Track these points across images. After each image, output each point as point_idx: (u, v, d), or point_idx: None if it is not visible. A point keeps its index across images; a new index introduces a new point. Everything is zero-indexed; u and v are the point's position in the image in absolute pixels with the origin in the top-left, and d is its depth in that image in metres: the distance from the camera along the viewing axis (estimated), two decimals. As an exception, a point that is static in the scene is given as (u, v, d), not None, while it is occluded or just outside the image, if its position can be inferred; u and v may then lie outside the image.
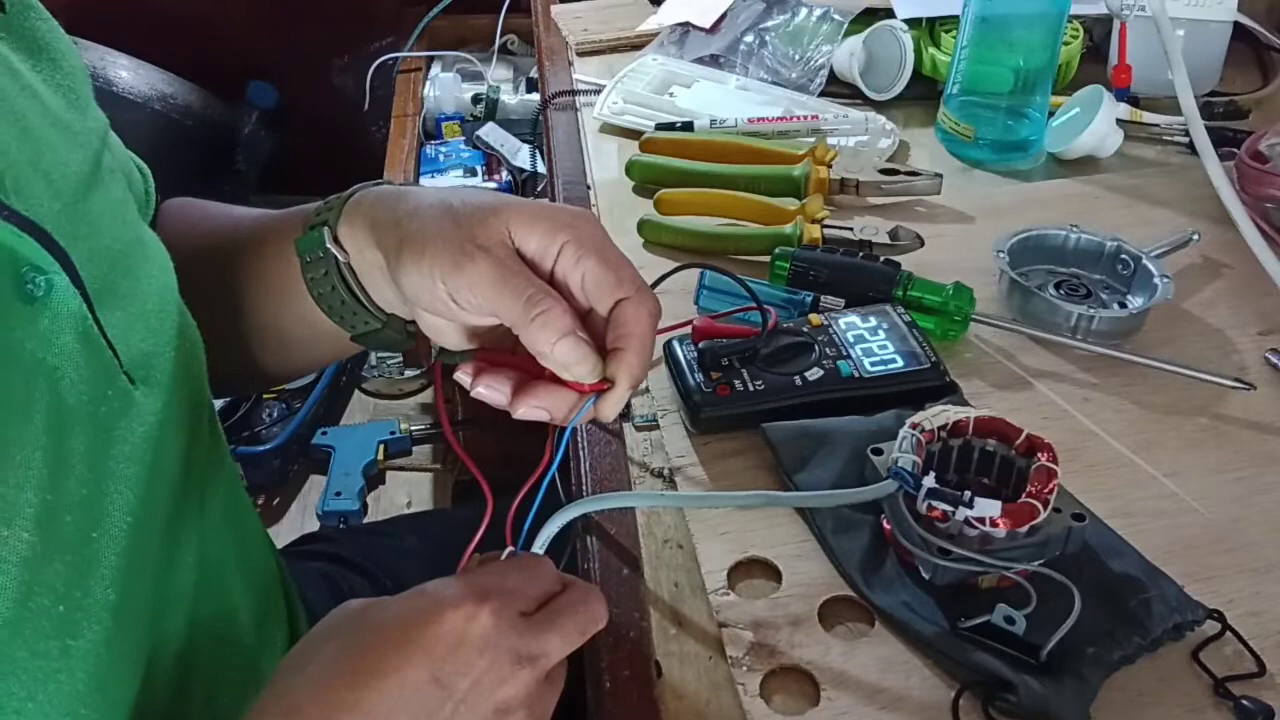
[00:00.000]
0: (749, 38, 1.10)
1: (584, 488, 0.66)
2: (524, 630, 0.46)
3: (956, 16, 0.96)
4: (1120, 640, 0.54)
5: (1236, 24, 1.05)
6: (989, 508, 0.54)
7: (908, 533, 0.55)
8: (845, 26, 1.07)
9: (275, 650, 0.63)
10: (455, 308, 0.50)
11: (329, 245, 0.54)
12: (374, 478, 1.71)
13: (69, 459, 0.42)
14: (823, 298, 0.75)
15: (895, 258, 0.79)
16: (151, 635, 0.48)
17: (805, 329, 0.71)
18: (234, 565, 0.58)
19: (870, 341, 0.70)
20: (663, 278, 0.76)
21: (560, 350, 0.48)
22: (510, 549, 0.51)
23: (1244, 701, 0.52)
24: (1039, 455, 0.57)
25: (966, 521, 0.54)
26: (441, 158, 1.58)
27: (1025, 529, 0.54)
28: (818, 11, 1.08)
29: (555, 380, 0.51)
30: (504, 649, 0.45)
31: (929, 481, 0.55)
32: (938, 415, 0.59)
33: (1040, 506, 0.55)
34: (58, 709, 0.41)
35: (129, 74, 1.72)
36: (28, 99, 0.47)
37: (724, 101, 1.04)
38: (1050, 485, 0.56)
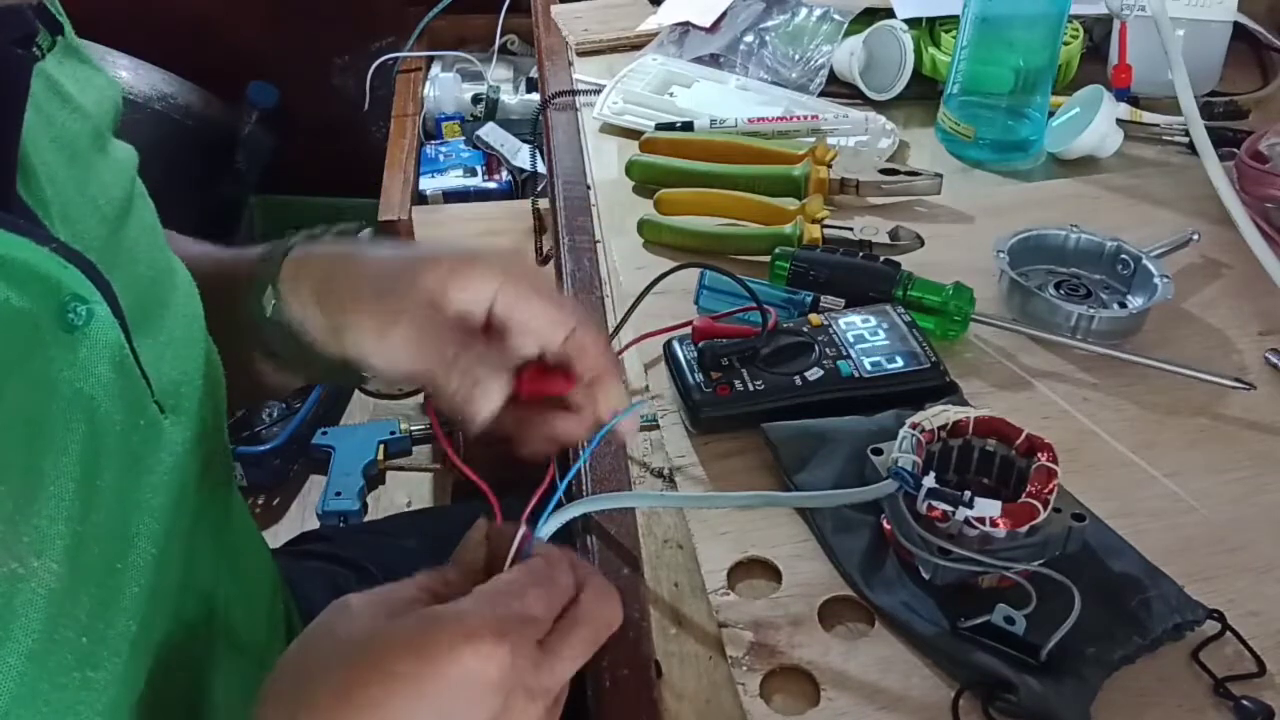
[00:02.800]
0: (749, 37, 1.10)
1: (584, 487, 0.66)
2: (540, 664, 0.44)
3: (956, 16, 0.96)
4: (1120, 640, 0.54)
5: (1236, 24, 1.05)
6: (989, 508, 0.54)
7: (908, 533, 0.55)
8: (845, 26, 1.07)
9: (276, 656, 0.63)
10: (400, 370, 0.51)
11: (272, 312, 0.56)
12: (374, 478, 1.71)
13: (100, 490, 0.42)
14: (823, 298, 0.75)
15: (895, 258, 0.79)
16: (167, 663, 0.47)
17: (805, 329, 0.71)
18: (237, 582, 0.58)
19: (870, 341, 0.70)
20: (661, 277, 0.76)
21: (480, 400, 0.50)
22: (524, 530, 0.48)
23: (1244, 702, 0.52)
24: (1039, 455, 0.57)
25: (966, 521, 0.54)
26: (441, 158, 1.58)
27: (1025, 529, 0.54)
28: (818, 11, 1.08)
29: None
30: (519, 689, 0.43)
31: (929, 481, 0.55)
32: (937, 415, 0.59)
33: (1040, 507, 0.55)
34: None
35: (129, 74, 1.72)
36: (78, 122, 0.48)
37: (724, 101, 1.04)
38: (1050, 485, 0.56)
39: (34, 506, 0.38)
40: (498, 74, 1.72)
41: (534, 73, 1.58)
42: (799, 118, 0.99)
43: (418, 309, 0.50)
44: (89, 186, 0.46)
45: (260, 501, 1.67)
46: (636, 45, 1.17)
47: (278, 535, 1.63)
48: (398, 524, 0.94)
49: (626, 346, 0.73)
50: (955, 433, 0.60)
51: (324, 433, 1.74)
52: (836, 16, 1.08)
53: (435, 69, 1.75)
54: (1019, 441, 0.59)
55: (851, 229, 0.83)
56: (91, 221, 0.44)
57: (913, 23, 1.05)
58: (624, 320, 0.75)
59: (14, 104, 0.42)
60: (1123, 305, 0.79)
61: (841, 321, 0.72)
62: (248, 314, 0.56)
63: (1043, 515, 0.54)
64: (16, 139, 0.42)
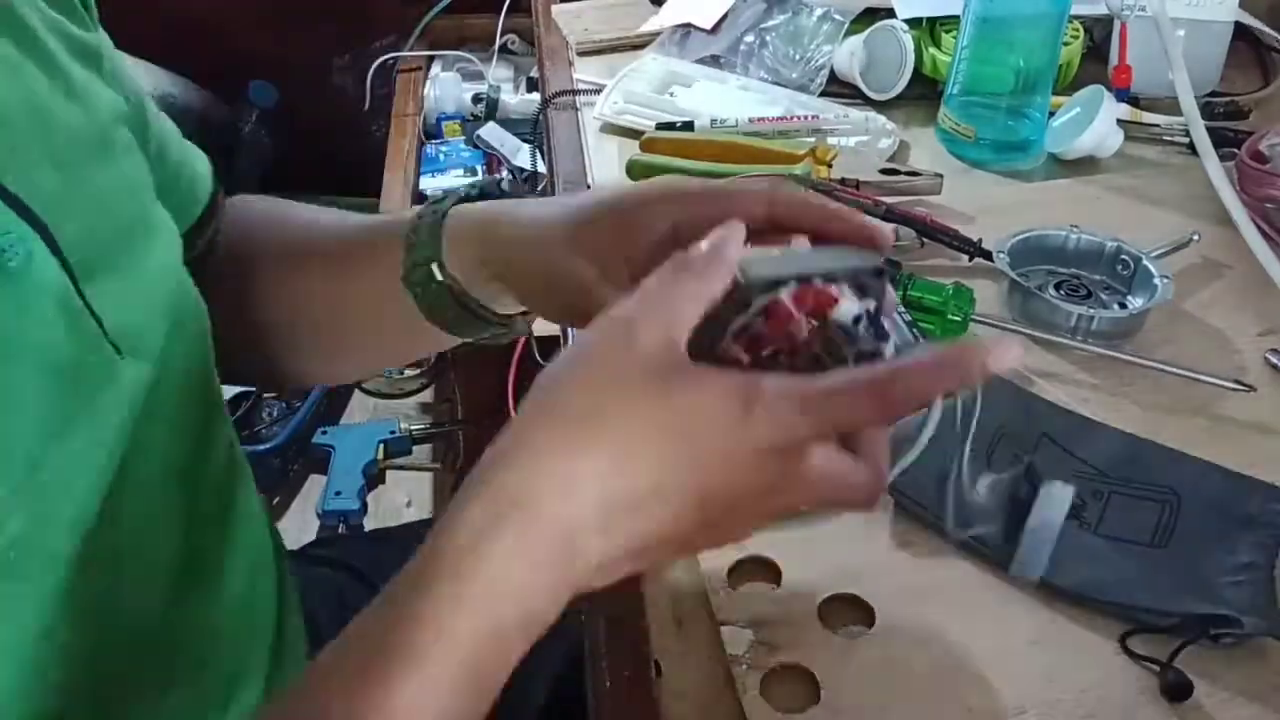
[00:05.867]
0: (750, 38, 1.10)
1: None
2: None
3: (957, 16, 0.96)
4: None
5: (1237, 24, 1.05)
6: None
7: None
8: (846, 26, 1.07)
9: (263, 637, 0.63)
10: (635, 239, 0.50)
11: (440, 278, 0.56)
12: (374, 477, 1.71)
13: (49, 418, 0.43)
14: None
15: (895, 258, 0.79)
16: (114, 592, 0.48)
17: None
18: (223, 529, 0.59)
19: (870, 342, 0.70)
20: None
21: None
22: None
23: None
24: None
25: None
26: (442, 157, 1.58)
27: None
28: (818, 11, 1.08)
29: None
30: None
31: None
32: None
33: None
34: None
35: (129, 73, 1.73)
36: (49, 71, 0.48)
37: (724, 101, 1.04)
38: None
39: None
40: (498, 74, 1.72)
41: (534, 72, 1.58)
42: (799, 118, 0.99)
43: (584, 261, 0.51)
44: (52, 137, 0.46)
45: (260, 501, 1.68)
46: (637, 46, 1.17)
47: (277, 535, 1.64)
48: (407, 533, 0.93)
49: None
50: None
51: (324, 432, 1.74)
52: (837, 16, 1.08)
53: (435, 69, 1.75)
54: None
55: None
56: (45, 167, 0.45)
57: (913, 23, 1.05)
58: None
59: None
60: (1123, 306, 0.79)
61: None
62: (406, 278, 0.57)
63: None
64: None
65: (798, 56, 1.07)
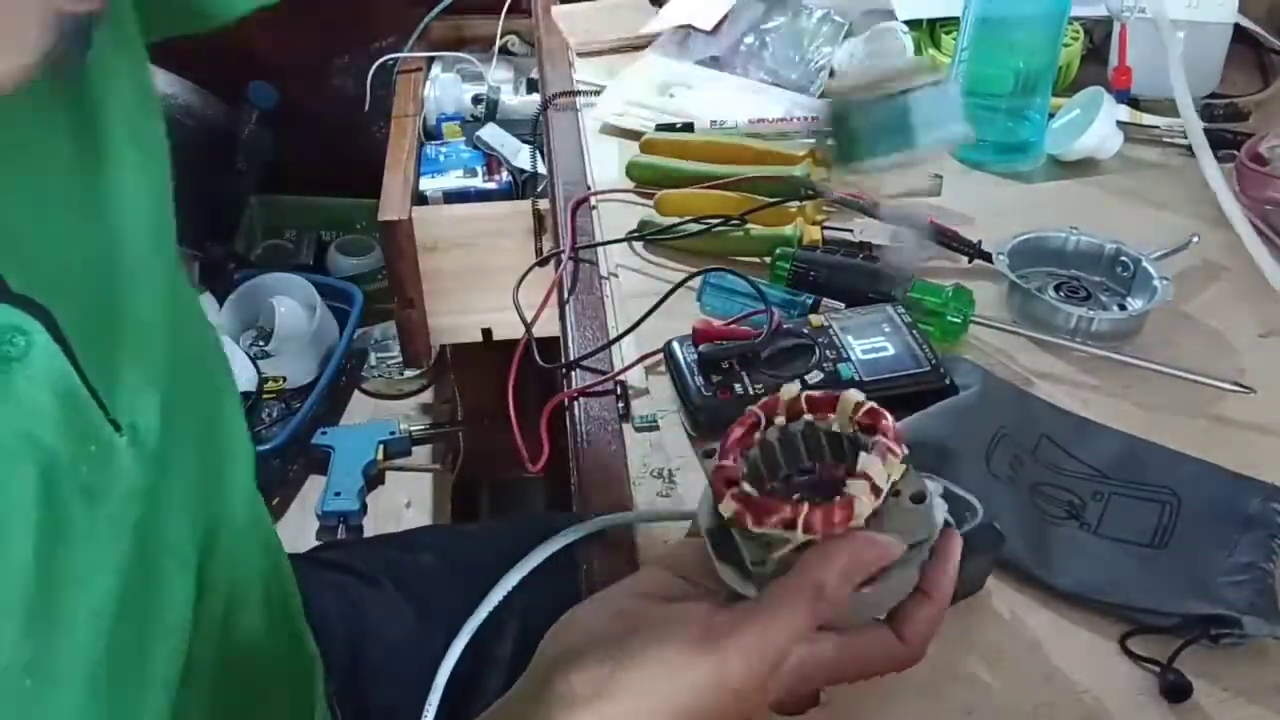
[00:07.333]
0: (750, 39, 1.10)
1: (584, 487, 0.66)
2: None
3: (957, 18, 0.96)
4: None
5: (1237, 26, 1.05)
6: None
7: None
8: (845, 28, 1.07)
9: (284, 662, 0.62)
10: None
11: None
12: (374, 478, 1.71)
13: (55, 524, 0.40)
14: (823, 299, 0.75)
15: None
16: (141, 678, 0.46)
17: (805, 330, 0.71)
18: (259, 586, 0.58)
19: (871, 343, 0.70)
20: (674, 289, 0.76)
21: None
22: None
23: None
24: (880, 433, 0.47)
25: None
26: (441, 158, 1.58)
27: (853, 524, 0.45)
28: (818, 13, 1.08)
29: None
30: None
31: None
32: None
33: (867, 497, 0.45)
34: None
35: (129, 74, 1.72)
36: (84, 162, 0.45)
37: (724, 102, 1.04)
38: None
39: None
40: (498, 75, 1.71)
41: (534, 73, 1.58)
42: (799, 119, 0.99)
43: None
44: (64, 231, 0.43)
45: (260, 501, 1.68)
46: (637, 47, 1.17)
47: (277, 535, 1.64)
48: (415, 539, 0.93)
49: (630, 366, 0.73)
50: (793, 415, 0.49)
51: (324, 433, 1.74)
52: (837, 18, 1.08)
53: (435, 69, 1.74)
54: (858, 416, 0.48)
55: (851, 230, 0.83)
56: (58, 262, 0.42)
57: (913, 24, 1.06)
58: (626, 332, 0.75)
59: None
60: (1122, 307, 0.79)
61: (842, 323, 0.72)
62: None
63: (869, 505, 0.45)
64: None
65: (797, 58, 1.07)
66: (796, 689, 0.45)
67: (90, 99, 0.45)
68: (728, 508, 0.45)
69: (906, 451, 0.46)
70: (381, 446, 1.73)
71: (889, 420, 0.47)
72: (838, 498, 0.44)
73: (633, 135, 0.99)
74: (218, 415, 0.57)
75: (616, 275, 0.83)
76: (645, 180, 0.92)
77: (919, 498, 0.46)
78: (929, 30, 1.06)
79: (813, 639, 0.45)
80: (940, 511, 0.47)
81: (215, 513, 0.54)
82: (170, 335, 0.49)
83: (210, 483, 0.54)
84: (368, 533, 1.64)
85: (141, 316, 0.47)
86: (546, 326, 0.83)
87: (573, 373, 0.75)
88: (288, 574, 0.68)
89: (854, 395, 0.48)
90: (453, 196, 1.52)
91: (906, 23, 1.05)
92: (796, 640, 0.44)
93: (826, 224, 0.83)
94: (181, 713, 0.50)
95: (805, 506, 0.44)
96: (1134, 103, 1.02)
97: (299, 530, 1.64)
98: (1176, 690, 0.53)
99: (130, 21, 0.50)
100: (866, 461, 0.45)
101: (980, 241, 0.82)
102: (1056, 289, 0.79)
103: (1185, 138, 0.95)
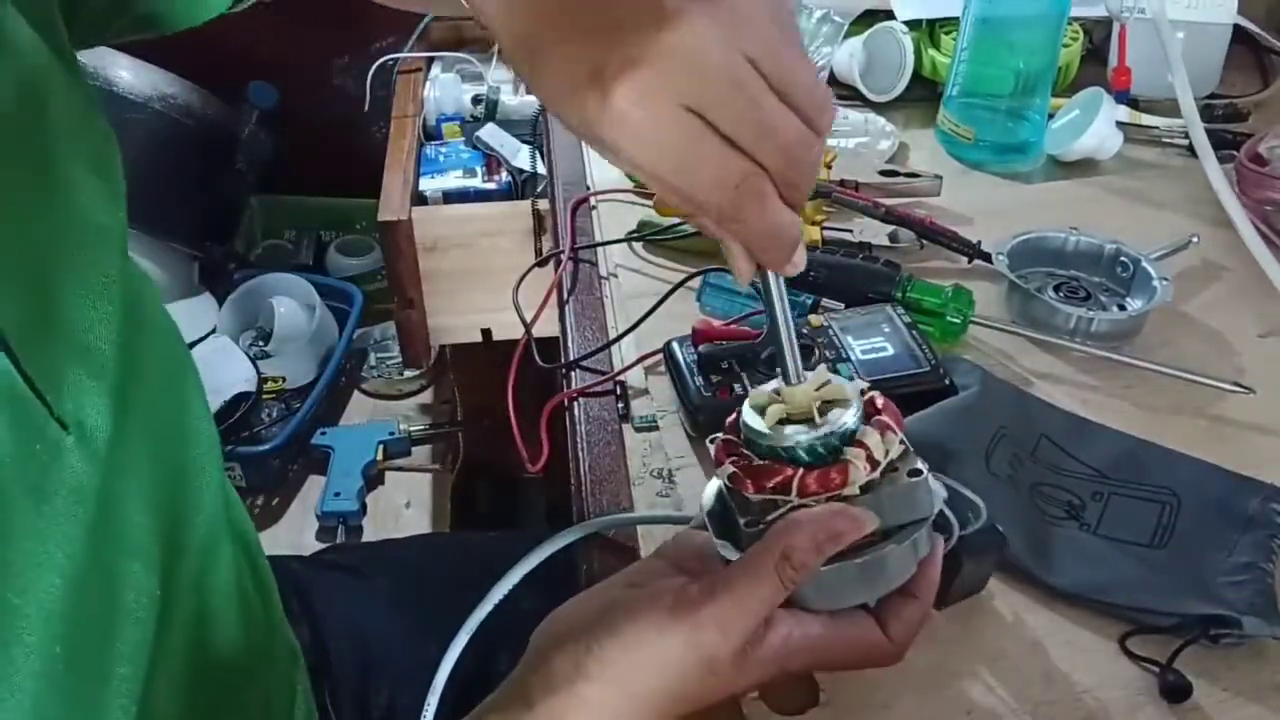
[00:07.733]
0: (749, 39, 1.10)
1: (584, 487, 0.66)
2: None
3: (956, 18, 0.96)
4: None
5: (1236, 26, 1.05)
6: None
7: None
8: (845, 28, 1.07)
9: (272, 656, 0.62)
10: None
11: None
12: (373, 478, 1.71)
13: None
14: (822, 299, 0.75)
15: (894, 259, 0.79)
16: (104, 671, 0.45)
17: (805, 330, 0.71)
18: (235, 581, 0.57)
19: (870, 343, 0.70)
20: (673, 289, 0.76)
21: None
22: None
23: None
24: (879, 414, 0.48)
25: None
26: (441, 158, 1.58)
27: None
28: (818, 13, 1.08)
29: None
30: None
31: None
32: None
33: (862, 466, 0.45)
34: None
35: (129, 74, 1.72)
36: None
37: (724, 103, 1.04)
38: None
39: None
40: (498, 75, 1.71)
41: (534, 73, 1.58)
42: (799, 119, 0.99)
43: None
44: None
45: (259, 502, 1.67)
46: (637, 46, 1.16)
47: (277, 535, 1.64)
48: (421, 545, 0.92)
49: (630, 366, 0.73)
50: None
51: (323, 433, 1.74)
52: (837, 18, 1.08)
53: (435, 69, 1.74)
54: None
55: (851, 231, 0.83)
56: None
57: (913, 24, 1.06)
58: (626, 333, 0.75)
59: None
60: (1122, 308, 0.79)
61: (841, 323, 0.72)
62: None
63: (864, 473, 0.45)
64: None
65: (797, 58, 1.07)
66: (782, 666, 0.45)
67: (29, 101, 0.45)
68: (726, 471, 0.46)
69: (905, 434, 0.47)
70: (381, 447, 1.73)
71: (889, 403, 0.48)
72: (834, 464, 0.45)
73: (632, 135, 0.98)
74: (181, 413, 0.56)
75: (616, 275, 0.83)
76: (645, 180, 0.92)
77: (915, 475, 0.46)
78: (928, 30, 1.06)
79: (800, 618, 0.45)
80: (938, 498, 0.47)
81: (181, 509, 0.54)
82: (122, 333, 0.48)
83: (175, 479, 0.53)
84: (367, 533, 1.64)
85: (88, 315, 0.46)
86: (546, 327, 0.83)
87: (572, 373, 0.75)
88: (263, 566, 0.68)
89: (859, 384, 0.48)
90: (452, 197, 1.52)
91: (906, 23, 1.05)
92: (768, 606, 0.44)
93: (826, 224, 0.83)
94: (150, 705, 0.49)
95: (800, 470, 0.45)
96: (1134, 103, 1.02)
97: (298, 530, 1.64)
98: (1176, 690, 0.53)
99: (59, 26, 0.50)
100: (865, 432, 0.46)
101: (980, 242, 0.82)
102: (1056, 289, 0.79)
103: (1185, 138, 0.95)
